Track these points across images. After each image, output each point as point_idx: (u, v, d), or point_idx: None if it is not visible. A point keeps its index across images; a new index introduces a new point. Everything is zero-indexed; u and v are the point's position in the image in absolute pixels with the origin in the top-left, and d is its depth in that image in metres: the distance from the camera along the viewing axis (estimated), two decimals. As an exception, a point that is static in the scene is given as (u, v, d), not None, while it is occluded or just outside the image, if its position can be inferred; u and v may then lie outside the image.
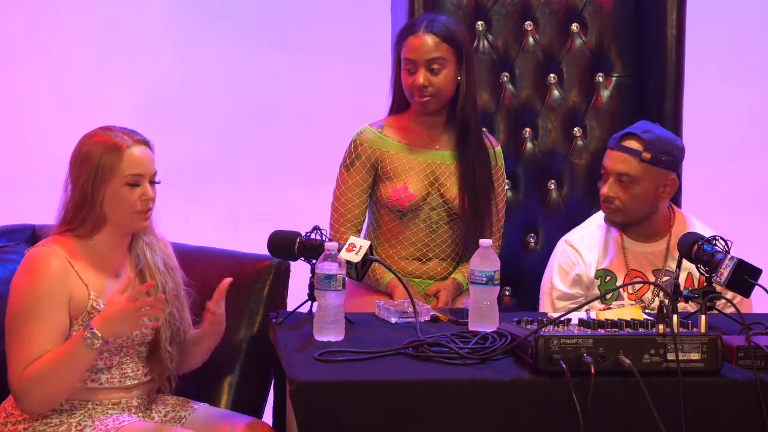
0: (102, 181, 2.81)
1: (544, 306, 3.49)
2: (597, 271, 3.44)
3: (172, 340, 2.94)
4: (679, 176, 3.38)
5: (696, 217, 3.55)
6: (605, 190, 3.38)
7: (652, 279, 3.42)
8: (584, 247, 3.47)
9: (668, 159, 3.35)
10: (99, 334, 2.70)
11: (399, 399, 2.47)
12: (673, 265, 3.40)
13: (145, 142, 2.88)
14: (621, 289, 3.41)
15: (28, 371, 2.74)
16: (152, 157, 2.88)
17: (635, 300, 3.42)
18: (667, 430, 2.44)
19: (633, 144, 3.35)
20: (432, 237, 3.56)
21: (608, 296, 3.27)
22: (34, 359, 2.74)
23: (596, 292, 3.42)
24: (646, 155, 3.32)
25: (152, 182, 2.87)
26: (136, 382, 2.90)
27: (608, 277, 3.43)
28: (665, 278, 3.41)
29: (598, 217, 3.53)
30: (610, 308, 3.31)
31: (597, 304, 3.37)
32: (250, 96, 4.58)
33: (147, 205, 2.85)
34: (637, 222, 3.41)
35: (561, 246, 3.51)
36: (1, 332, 2.87)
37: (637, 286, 3.44)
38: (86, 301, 2.82)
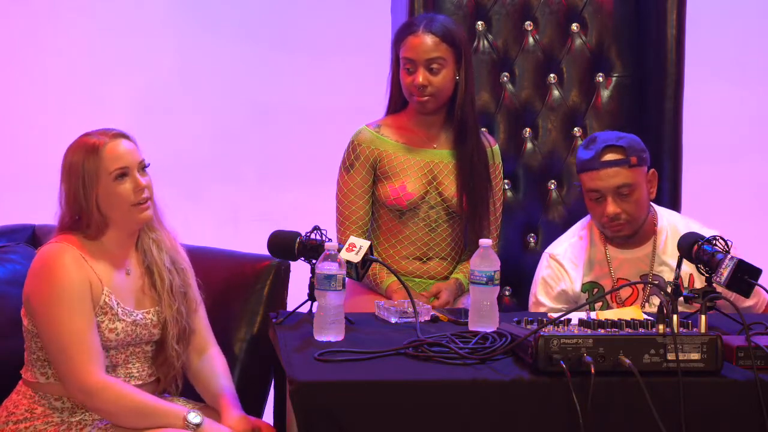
0: (91, 186, 2.81)
1: None
2: (583, 284, 3.42)
3: (179, 338, 2.94)
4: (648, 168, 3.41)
5: (696, 217, 3.54)
6: (610, 209, 3.30)
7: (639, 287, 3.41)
8: (568, 261, 3.43)
9: (646, 156, 3.36)
10: (200, 426, 2.75)
11: (399, 399, 2.47)
12: (661, 269, 3.39)
13: (123, 135, 2.86)
14: (609, 300, 3.40)
15: (114, 386, 2.75)
16: (134, 148, 2.86)
17: None
18: (667, 430, 2.44)
19: (615, 155, 3.32)
20: (431, 236, 3.56)
21: (597, 306, 3.25)
22: (90, 351, 2.73)
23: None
24: (633, 160, 3.31)
25: (143, 170, 2.86)
26: (140, 382, 2.90)
27: (595, 290, 3.41)
28: (654, 282, 3.39)
29: (578, 228, 3.49)
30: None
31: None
32: (250, 96, 4.58)
33: (141, 194, 2.84)
34: (640, 227, 3.40)
35: (545, 260, 3.47)
36: (1, 333, 2.87)
37: (624, 296, 3.42)
38: (100, 295, 2.82)
